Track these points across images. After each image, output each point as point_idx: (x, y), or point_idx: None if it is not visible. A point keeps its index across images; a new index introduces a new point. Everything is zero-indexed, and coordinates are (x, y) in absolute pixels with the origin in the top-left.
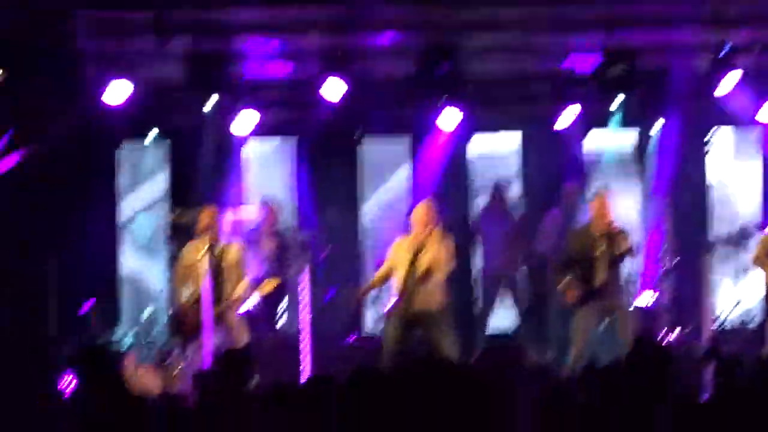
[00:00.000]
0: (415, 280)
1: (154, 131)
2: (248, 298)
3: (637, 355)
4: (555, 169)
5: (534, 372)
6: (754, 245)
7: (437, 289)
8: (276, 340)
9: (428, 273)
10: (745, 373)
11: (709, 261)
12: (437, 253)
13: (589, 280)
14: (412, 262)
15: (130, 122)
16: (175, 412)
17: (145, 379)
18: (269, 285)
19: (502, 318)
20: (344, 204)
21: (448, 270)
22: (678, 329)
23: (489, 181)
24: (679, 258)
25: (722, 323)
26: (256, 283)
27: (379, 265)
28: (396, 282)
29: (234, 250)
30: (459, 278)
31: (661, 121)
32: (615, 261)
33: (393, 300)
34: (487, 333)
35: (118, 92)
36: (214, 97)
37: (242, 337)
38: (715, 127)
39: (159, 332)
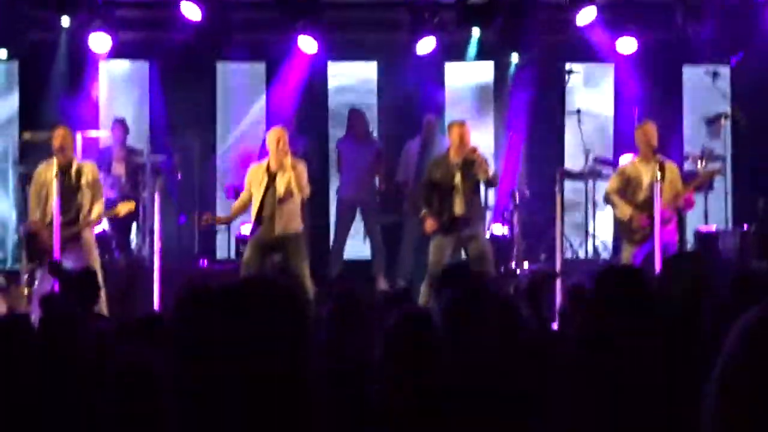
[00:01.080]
0: (272, 205)
1: (3, 50)
2: (102, 219)
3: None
4: (413, 98)
5: (385, 298)
6: (606, 180)
7: (294, 213)
8: (127, 263)
9: (285, 197)
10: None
11: (562, 193)
12: (293, 177)
13: (449, 210)
14: (268, 187)
15: None
16: (18, 333)
17: None
18: (125, 207)
19: (358, 245)
20: (200, 129)
21: (305, 194)
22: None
23: (346, 108)
24: (531, 190)
25: (574, 254)
26: (109, 205)
27: (229, 191)
28: (253, 207)
29: (89, 170)
30: (315, 204)
31: (517, 54)
32: (474, 189)
33: (251, 225)
34: (341, 259)
35: None
36: (67, 17)
37: (94, 259)
38: (570, 63)
39: (7, 254)
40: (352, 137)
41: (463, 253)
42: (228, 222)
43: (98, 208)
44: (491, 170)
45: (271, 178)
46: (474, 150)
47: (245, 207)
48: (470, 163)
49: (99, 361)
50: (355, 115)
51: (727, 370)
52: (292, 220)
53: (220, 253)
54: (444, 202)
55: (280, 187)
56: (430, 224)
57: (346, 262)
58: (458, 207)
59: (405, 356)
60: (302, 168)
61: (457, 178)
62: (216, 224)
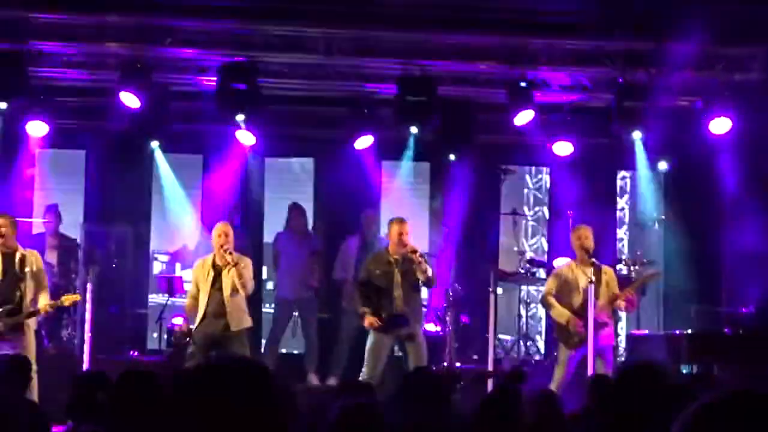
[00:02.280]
0: (218, 301)
1: None
2: (47, 310)
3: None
4: (349, 195)
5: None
6: (543, 281)
7: (243, 308)
8: (58, 351)
9: (233, 293)
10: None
11: (496, 292)
12: (240, 273)
13: (388, 307)
14: (214, 282)
15: None
16: None
17: None
18: (70, 299)
19: (294, 341)
20: (135, 218)
21: (248, 291)
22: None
23: (283, 204)
24: (464, 288)
25: (507, 353)
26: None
27: (162, 284)
28: (200, 302)
29: (34, 259)
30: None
31: (454, 155)
32: (413, 287)
33: (198, 318)
34: (276, 354)
35: None
36: (4, 102)
37: (32, 349)
38: (506, 165)
39: None
40: (290, 233)
41: (399, 350)
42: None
43: (44, 298)
44: (430, 271)
45: (217, 273)
46: (414, 251)
47: (197, 303)
48: (409, 261)
49: None
50: (295, 211)
51: None
52: (242, 316)
53: (151, 344)
54: (383, 299)
55: (227, 283)
56: (369, 321)
57: (280, 355)
58: (398, 305)
59: None
60: (247, 263)
61: (397, 276)
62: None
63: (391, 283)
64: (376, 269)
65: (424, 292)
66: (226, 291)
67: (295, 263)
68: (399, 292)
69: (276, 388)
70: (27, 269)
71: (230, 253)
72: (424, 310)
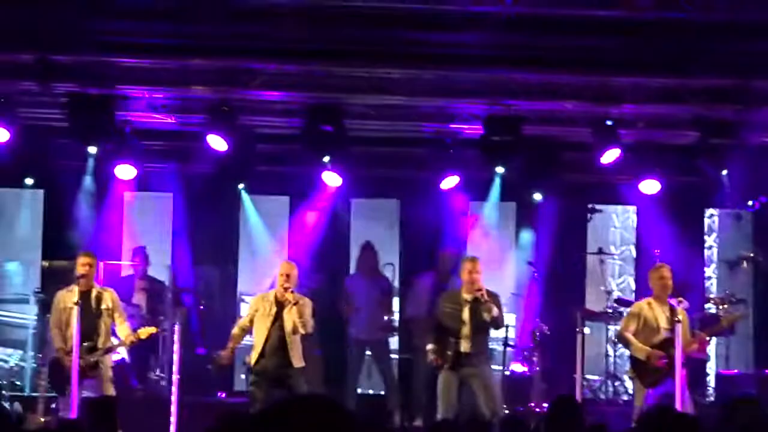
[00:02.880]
0: (278, 337)
1: (29, 179)
2: (126, 343)
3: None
4: (435, 234)
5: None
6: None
7: (298, 347)
8: (146, 393)
9: (294, 331)
10: None
11: (583, 332)
12: (300, 311)
13: (454, 345)
14: (276, 319)
15: (6, 168)
16: None
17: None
18: (146, 331)
19: (374, 382)
20: (222, 260)
21: (307, 330)
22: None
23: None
24: (551, 327)
25: (595, 393)
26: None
27: None
28: (257, 337)
29: (109, 296)
30: (331, 339)
31: (540, 194)
32: (481, 327)
33: (255, 355)
34: (355, 394)
35: None
36: (94, 147)
37: (111, 387)
38: (592, 204)
39: (25, 382)
40: (361, 274)
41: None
42: (231, 353)
43: (125, 330)
44: (495, 311)
45: (279, 309)
46: (479, 289)
47: (244, 335)
48: (478, 301)
49: None
50: (365, 251)
51: None
52: (299, 355)
53: (238, 386)
54: (450, 337)
55: (288, 321)
56: (432, 360)
57: (360, 395)
58: (463, 344)
59: None
60: (306, 303)
61: (465, 315)
62: (225, 363)
63: (459, 321)
64: (446, 308)
65: (511, 332)
66: (288, 327)
67: (366, 303)
68: (466, 331)
69: (358, 425)
70: (103, 306)
71: (291, 292)
72: (510, 349)
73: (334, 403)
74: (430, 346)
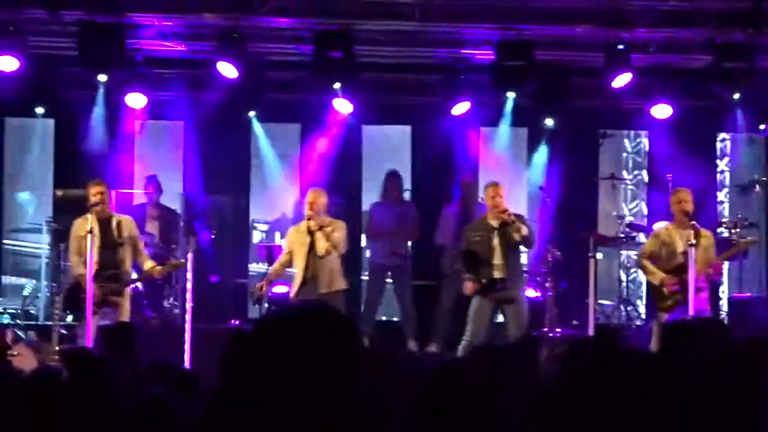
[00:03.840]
0: (314, 265)
1: (40, 108)
2: (152, 276)
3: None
4: (447, 161)
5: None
6: (639, 245)
7: (337, 271)
8: (160, 321)
9: (325, 256)
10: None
11: (595, 257)
12: (333, 235)
13: (487, 272)
14: (310, 247)
15: (17, 97)
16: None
17: (21, 357)
18: (177, 264)
19: (390, 308)
20: (233, 188)
21: (342, 250)
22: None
23: (381, 171)
24: (563, 253)
25: (608, 319)
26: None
27: (262, 253)
28: (297, 267)
29: (129, 224)
30: (347, 265)
31: (551, 120)
32: (511, 251)
33: (297, 284)
34: (372, 322)
35: (4, 65)
36: (104, 75)
37: (127, 311)
38: (604, 130)
39: (39, 310)
40: (387, 201)
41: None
42: (269, 285)
43: (149, 262)
44: (524, 230)
45: (312, 237)
46: (505, 211)
47: (284, 269)
48: (506, 225)
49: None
50: (392, 179)
51: None
52: (335, 279)
53: (252, 313)
54: (482, 264)
55: (320, 246)
56: (469, 287)
57: (377, 323)
58: (497, 269)
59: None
60: (340, 226)
61: (495, 241)
62: (264, 292)
63: (490, 248)
64: (475, 236)
65: (524, 258)
66: (320, 253)
67: (390, 230)
68: (497, 256)
69: (356, 341)
70: (125, 234)
71: (310, 219)
72: (525, 275)
73: (337, 313)
74: (466, 275)
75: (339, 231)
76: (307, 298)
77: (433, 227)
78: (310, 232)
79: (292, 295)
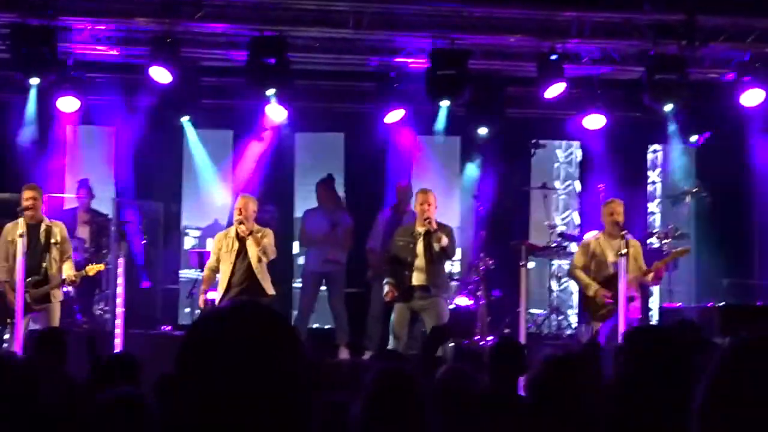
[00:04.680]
0: (243, 271)
1: None
2: (73, 280)
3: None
4: (380, 168)
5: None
6: (570, 254)
7: (268, 277)
8: (91, 326)
9: (258, 262)
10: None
11: (526, 266)
12: (263, 242)
13: (408, 278)
14: (239, 253)
15: None
16: None
17: None
18: (94, 268)
19: (326, 316)
20: (166, 193)
21: (270, 256)
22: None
23: (314, 178)
24: (495, 262)
25: (538, 327)
26: (75, 268)
27: (194, 259)
28: (223, 272)
29: (59, 230)
30: (278, 272)
31: (484, 129)
32: (434, 259)
33: (221, 289)
34: (306, 328)
35: None
36: (36, 78)
37: (56, 317)
38: (536, 139)
39: None
40: (321, 208)
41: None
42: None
43: (70, 268)
44: (444, 240)
45: (242, 243)
46: (427, 218)
47: (215, 275)
48: (430, 232)
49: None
50: (323, 185)
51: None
52: (268, 285)
53: (182, 319)
54: (404, 270)
55: (253, 252)
56: (388, 294)
57: (309, 330)
58: (416, 276)
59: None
60: (269, 233)
61: (419, 247)
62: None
63: (413, 254)
64: (401, 240)
65: (457, 266)
66: (254, 259)
67: (323, 237)
68: (419, 263)
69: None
70: (52, 240)
71: (241, 224)
72: (455, 283)
73: (273, 311)
74: (386, 279)
75: (268, 237)
76: None
77: (366, 234)
78: (239, 238)
79: (217, 300)
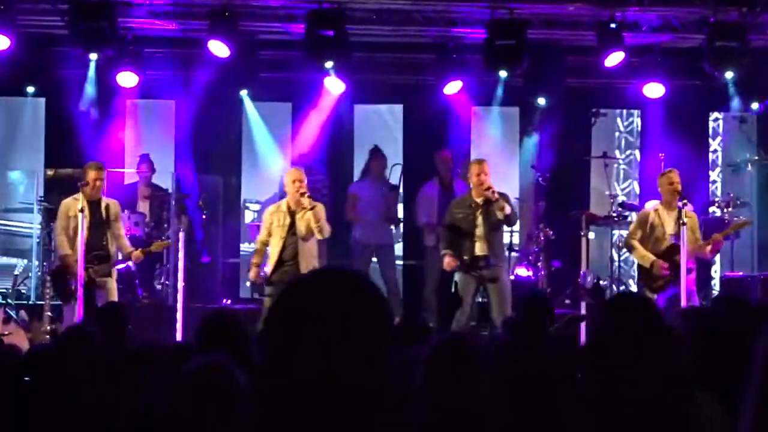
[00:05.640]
0: (293, 245)
1: (31, 87)
2: (139, 256)
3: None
4: (439, 140)
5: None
6: (631, 224)
7: (315, 253)
8: (151, 301)
9: (306, 237)
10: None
11: (587, 236)
12: (312, 217)
13: (469, 249)
14: (289, 228)
15: (7, 76)
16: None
17: (12, 336)
18: (160, 245)
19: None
20: (225, 167)
21: (325, 234)
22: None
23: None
24: (555, 232)
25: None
26: (134, 243)
27: (254, 233)
28: (273, 246)
29: (116, 206)
30: (338, 244)
31: (543, 99)
32: (494, 229)
33: (271, 266)
34: None
35: None
36: (95, 54)
37: (115, 294)
38: (596, 109)
39: (30, 289)
40: (370, 179)
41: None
42: (257, 268)
43: (129, 245)
44: (507, 208)
45: (292, 218)
46: (488, 188)
47: (266, 248)
48: (489, 202)
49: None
50: (375, 156)
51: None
52: (314, 260)
53: (243, 293)
54: (465, 241)
55: (301, 227)
56: (448, 262)
57: None
58: (478, 247)
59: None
60: (320, 208)
61: (478, 218)
62: (260, 276)
63: (473, 225)
64: (459, 212)
65: (516, 237)
66: (301, 234)
67: (373, 208)
68: (480, 233)
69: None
70: (111, 218)
71: (309, 197)
72: (515, 254)
73: (364, 277)
74: (445, 250)
75: (323, 213)
76: (284, 279)
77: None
78: (291, 212)
79: (267, 274)
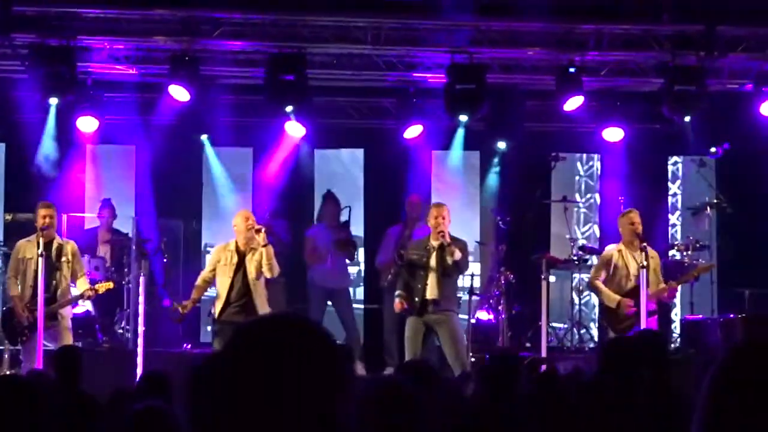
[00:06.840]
0: (242, 286)
1: None
2: (84, 297)
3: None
4: (399, 184)
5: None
6: (591, 267)
7: (263, 294)
8: (112, 345)
9: (257, 277)
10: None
11: (548, 279)
12: (264, 254)
13: (420, 292)
14: (238, 268)
15: None
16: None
17: None
18: (104, 286)
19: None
20: (186, 212)
21: (274, 274)
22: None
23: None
24: (516, 276)
25: (560, 341)
26: (93, 285)
27: None
28: (221, 287)
29: (69, 248)
30: (295, 288)
31: (503, 143)
32: (447, 273)
33: (219, 306)
34: None
35: None
36: (55, 98)
37: (70, 337)
38: (556, 153)
39: None
40: (323, 224)
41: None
42: (194, 304)
43: (84, 283)
44: (457, 254)
45: (241, 258)
46: (441, 232)
47: (207, 286)
48: (444, 246)
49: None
50: (328, 201)
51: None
52: (264, 301)
53: (204, 337)
54: (417, 284)
55: (251, 268)
56: (397, 305)
57: None
58: (429, 290)
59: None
60: (270, 248)
61: (432, 261)
62: (187, 312)
63: (426, 268)
64: (414, 253)
65: (477, 281)
66: (251, 275)
67: (328, 252)
68: (432, 277)
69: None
70: (63, 259)
71: (259, 232)
72: (476, 297)
73: (308, 321)
74: (397, 292)
75: (272, 253)
76: (235, 319)
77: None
78: (239, 252)
79: (216, 315)
